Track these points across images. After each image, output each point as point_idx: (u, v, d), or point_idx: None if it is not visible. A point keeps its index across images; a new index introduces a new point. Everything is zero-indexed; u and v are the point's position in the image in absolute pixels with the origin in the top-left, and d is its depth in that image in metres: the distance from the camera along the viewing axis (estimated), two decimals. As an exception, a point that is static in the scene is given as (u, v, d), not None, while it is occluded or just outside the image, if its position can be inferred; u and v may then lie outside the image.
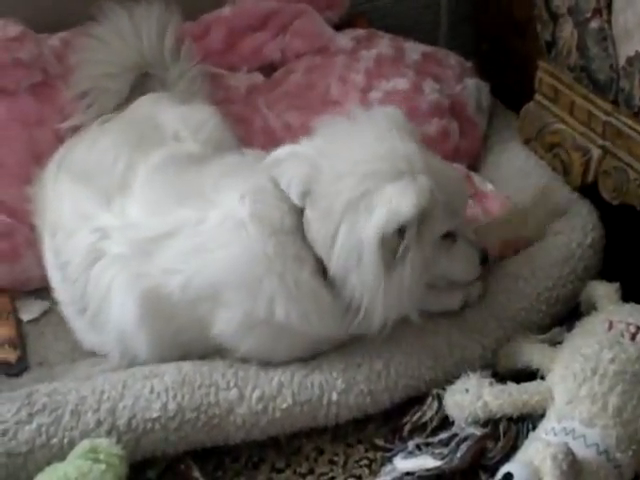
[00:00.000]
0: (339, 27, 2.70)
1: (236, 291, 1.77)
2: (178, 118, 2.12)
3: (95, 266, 1.87)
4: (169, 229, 1.82)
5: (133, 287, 1.81)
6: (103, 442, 1.62)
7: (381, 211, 1.69)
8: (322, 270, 1.77)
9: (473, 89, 2.56)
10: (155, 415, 1.72)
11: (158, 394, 1.74)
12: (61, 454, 1.65)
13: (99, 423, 1.70)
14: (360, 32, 2.66)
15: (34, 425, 1.68)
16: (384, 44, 2.59)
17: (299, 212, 1.79)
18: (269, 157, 1.88)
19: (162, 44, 2.32)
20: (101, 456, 1.59)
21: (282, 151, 1.88)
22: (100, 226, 1.89)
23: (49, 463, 1.64)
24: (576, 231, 2.10)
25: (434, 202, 1.73)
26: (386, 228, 1.68)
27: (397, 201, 1.69)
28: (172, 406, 1.73)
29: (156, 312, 1.82)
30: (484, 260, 1.94)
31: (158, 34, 2.31)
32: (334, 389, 1.79)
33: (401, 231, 1.69)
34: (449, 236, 1.84)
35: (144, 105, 2.22)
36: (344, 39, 2.61)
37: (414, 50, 2.60)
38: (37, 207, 2.13)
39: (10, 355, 1.99)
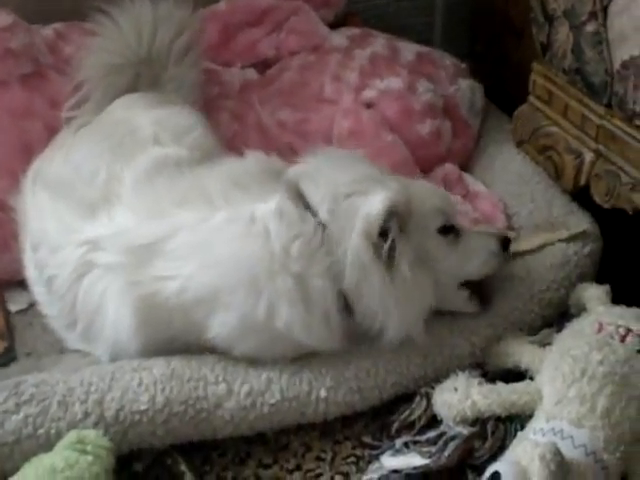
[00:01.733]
0: (333, 26, 2.71)
1: (235, 293, 1.75)
2: (155, 121, 2.09)
3: (84, 279, 1.85)
4: (167, 232, 1.80)
5: (128, 296, 1.79)
6: (90, 433, 1.62)
7: (359, 220, 1.73)
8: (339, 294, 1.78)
9: (467, 90, 2.57)
10: (143, 408, 1.71)
11: (146, 387, 1.73)
12: (48, 445, 1.64)
13: (86, 414, 1.69)
14: (355, 31, 2.67)
15: (21, 415, 1.67)
16: (379, 43, 2.60)
17: (322, 231, 1.77)
18: (290, 172, 1.86)
19: (174, 44, 2.29)
20: (88, 447, 1.58)
21: (303, 167, 1.87)
22: (88, 239, 1.86)
23: (36, 454, 1.62)
24: (575, 239, 2.10)
25: (404, 199, 1.77)
26: (368, 233, 1.73)
27: (369, 206, 1.74)
28: (160, 399, 1.72)
29: (152, 320, 1.80)
30: (505, 245, 1.94)
31: (175, 33, 2.29)
32: (323, 386, 1.79)
33: (384, 234, 1.74)
34: (450, 232, 1.86)
35: (118, 109, 2.19)
36: (339, 37, 2.62)
37: (409, 50, 2.61)
38: (19, 219, 2.09)
39: (-2, 345, 1.98)
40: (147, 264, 1.79)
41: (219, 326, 1.77)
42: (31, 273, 2.02)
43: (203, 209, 1.82)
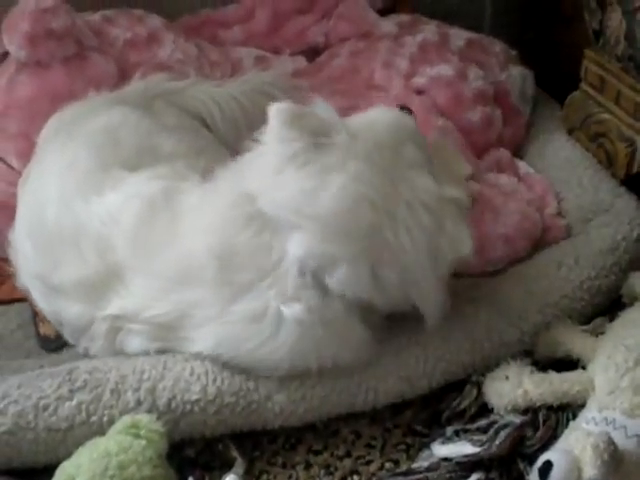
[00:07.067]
0: (383, 12, 2.70)
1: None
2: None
3: (116, 340, 1.81)
4: (185, 310, 1.75)
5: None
6: (144, 418, 1.63)
7: None
8: None
9: (517, 77, 2.55)
10: (195, 398, 1.71)
11: (198, 376, 1.73)
12: (100, 432, 1.65)
13: (139, 402, 1.70)
14: (404, 17, 2.66)
15: (74, 402, 1.68)
16: (429, 30, 2.59)
17: None
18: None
19: None
20: (142, 432, 1.60)
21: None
22: (110, 314, 1.79)
23: (88, 440, 1.63)
24: (623, 224, 2.08)
25: None
26: None
27: None
28: (212, 389, 1.72)
29: None
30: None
31: None
32: (372, 375, 1.78)
33: None
34: None
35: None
36: (389, 24, 2.61)
37: (459, 37, 2.60)
38: None
39: (50, 330, 1.99)
40: (173, 332, 1.77)
41: None
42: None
43: (218, 291, 1.73)
